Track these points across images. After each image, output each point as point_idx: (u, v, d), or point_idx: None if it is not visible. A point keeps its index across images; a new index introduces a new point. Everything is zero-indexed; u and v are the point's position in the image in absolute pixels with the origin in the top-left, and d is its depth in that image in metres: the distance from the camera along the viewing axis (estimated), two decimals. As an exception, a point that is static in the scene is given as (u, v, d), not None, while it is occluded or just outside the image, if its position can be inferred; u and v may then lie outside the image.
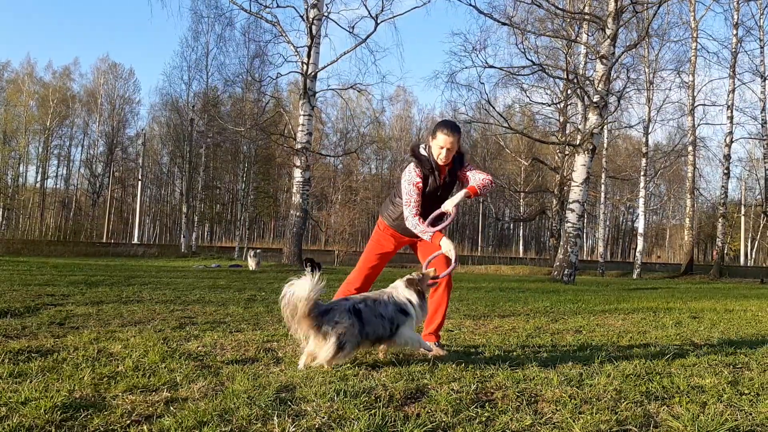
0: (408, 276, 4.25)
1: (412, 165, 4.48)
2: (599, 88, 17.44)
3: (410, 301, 4.11)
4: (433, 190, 4.50)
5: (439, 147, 4.36)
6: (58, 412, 2.74)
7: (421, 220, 4.40)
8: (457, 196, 4.40)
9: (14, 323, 5.36)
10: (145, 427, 2.63)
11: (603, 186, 34.81)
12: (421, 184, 4.43)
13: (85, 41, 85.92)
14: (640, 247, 32.55)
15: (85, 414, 2.76)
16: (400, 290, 4.16)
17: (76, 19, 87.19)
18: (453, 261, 4.39)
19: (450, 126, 4.41)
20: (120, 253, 30.60)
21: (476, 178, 4.48)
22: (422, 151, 4.49)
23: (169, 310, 6.74)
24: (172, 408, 2.89)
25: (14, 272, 12.28)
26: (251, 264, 18.78)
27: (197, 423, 2.67)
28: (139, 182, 45.27)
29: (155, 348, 4.27)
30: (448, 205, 4.38)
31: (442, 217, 4.48)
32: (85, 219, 53.15)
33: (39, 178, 55.06)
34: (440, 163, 4.42)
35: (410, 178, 4.44)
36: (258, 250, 20.17)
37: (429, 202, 4.51)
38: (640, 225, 33.35)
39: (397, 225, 4.66)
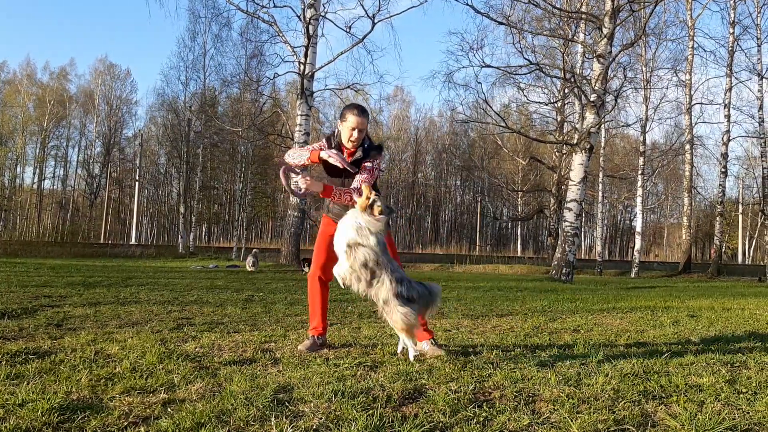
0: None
1: (322, 140, 4.62)
2: (596, 87, 17.45)
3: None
4: (335, 172, 4.54)
5: (350, 129, 4.41)
6: (56, 414, 2.73)
7: (312, 150, 4.51)
8: (317, 186, 4.38)
9: (11, 325, 5.35)
10: (142, 429, 2.63)
11: (601, 185, 34.86)
12: (324, 147, 4.50)
13: (83, 42, 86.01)
14: (637, 245, 32.57)
15: (82, 416, 2.75)
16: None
17: (74, 20, 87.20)
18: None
19: (359, 107, 4.48)
20: (117, 253, 30.55)
21: (357, 177, 4.48)
22: (335, 133, 4.58)
23: (166, 311, 6.74)
24: (169, 409, 2.89)
25: (11, 273, 12.26)
26: (249, 264, 18.78)
27: (195, 424, 2.67)
28: (137, 183, 45.19)
29: (153, 349, 4.27)
30: (301, 183, 4.38)
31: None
32: (82, 220, 53.14)
33: (36, 179, 55.04)
34: (351, 146, 4.48)
35: (318, 143, 4.60)
36: (255, 251, 20.16)
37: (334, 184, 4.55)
38: (638, 224, 33.38)
39: (330, 214, 4.70)
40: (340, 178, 4.56)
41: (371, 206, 4.15)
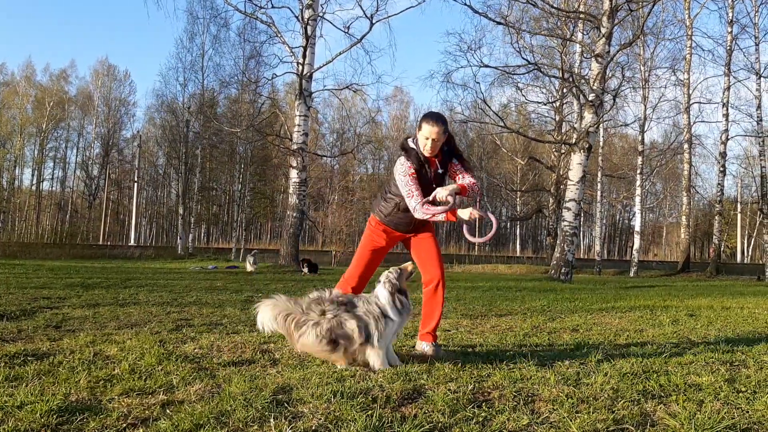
0: (384, 276, 4.16)
1: (402, 158, 4.48)
2: (595, 87, 17.46)
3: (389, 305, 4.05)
4: (425, 182, 4.48)
5: (425, 138, 4.37)
6: (54, 416, 2.73)
7: (428, 204, 4.38)
8: (450, 186, 4.37)
9: (10, 326, 5.34)
10: (141, 430, 2.62)
11: (599, 184, 34.88)
12: (415, 173, 4.42)
13: (83, 44, 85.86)
14: (636, 245, 32.59)
15: (81, 417, 2.75)
16: (379, 296, 4.08)
17: (74, 21, 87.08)
18: (493, 222, 4.40)
19: (434, 117, 4.41)
20: (116, 255, 30.54)
21: (466, 179, 4.50)
22: (411, 144, 4.51)
23: (165, 312, 6.73)
24: (168, 411, 2.89)
25: (10, 275, 12.25)
26: (248, 265, 18.79)
27: (194, 426, 2.66)
28: (135, 184, 45.19)
29: (152, 350, 4.26)
30: (442, 193, 4.31)
31: (435, 202, 4.42)
32: (81, 221, 53.09)
33: (35, 181, 55.02)
34: (427, 154, 4.43)
35: (404, 170, 4.43)
36: (255, 251, 20.16)
37: (423, 197, 4.49)
38: (637, 223, 33.40)
39: (389, 221, 4.65)
40: (432, 184, 4.51)
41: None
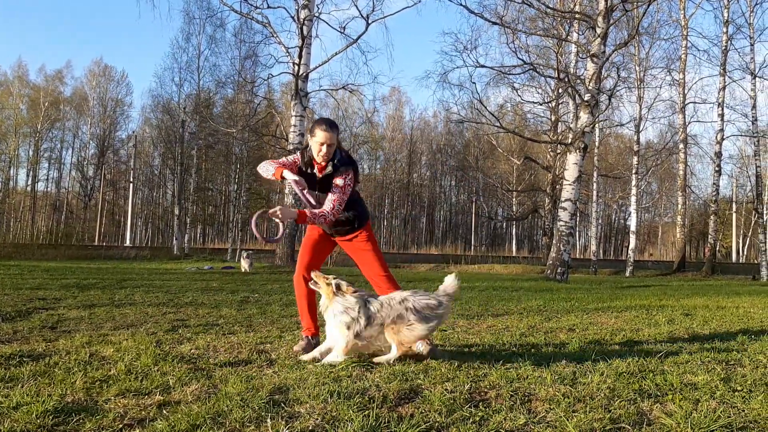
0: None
1: (298, 152, 4.63)
2: (590, 87, 17.48)
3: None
4: (310, 184, 4.53)
5: (319, 144, 4.40)
6: (50, 417, 2.72)
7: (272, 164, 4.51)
8: (291, 212, 4.32)
9: (5, 327, 5.33)
10: (137, 431, 2.62)
11: (595, 184, 34.91)
12: (298, 161, 4.53)
13: (79, 44, 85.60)
14: (632, 244, 32.64)
15: (77, 418, 2.74)
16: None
17: (71, 20, 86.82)
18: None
19: (328, 122, 4.46)
20: (112, 255, 30.47)
21: (326, 203, 4.47)
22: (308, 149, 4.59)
23: (161, 313, 6.72)
24: (164, 411, 2.88)
25: (5, 276, 12.21)
26: (244, 265, 18.76)
27: (190, 426, 2.66)
28: (131, 184, 45.08)
29: (148, 351, 4.25)
30: (277, 213, 4.28)
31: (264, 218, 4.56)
32: (76, 222, 52.94)
33: (29, 181, 54.86)
34: (320, 160, 4.46)
35: (292, 156, 4.62)
36: (250, 252, 20.12)
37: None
38: (633, 223, 33.46)
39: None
40: (315, 190, 4.57)
41: (338, 288, 4.20)
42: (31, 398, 3.01)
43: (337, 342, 4.11)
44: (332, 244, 4.89)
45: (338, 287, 4.18)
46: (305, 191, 4.44)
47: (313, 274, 4.36)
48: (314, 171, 4.54)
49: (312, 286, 4.37)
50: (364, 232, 4.73)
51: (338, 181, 4.48)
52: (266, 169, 4.52)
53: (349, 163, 4.54)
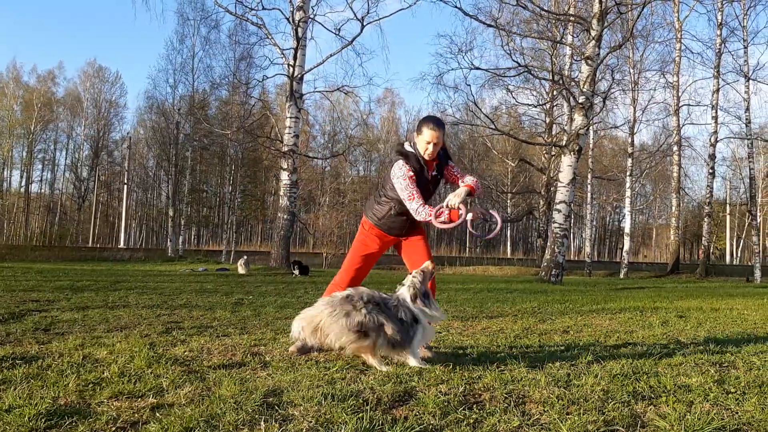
0: (409, 280, 4.21)
1: (400, 161, 4.51)
2: (585, 89, 17.53)
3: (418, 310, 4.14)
4: (422, 186, 4.53)
5: (426, 142, 4.44)
6: (43, 420, 2.71)
7: (430, 206, 4.43)
8: (461, 191, 4.40)
9: (-2, 330, 5.30)
10: (130, 434, 2.61)
11: (589, 186, 35.02)
12: (414, 176, 4.47)
13: (70, 45, 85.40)
14: (626, 246, 32.73)
15: (69, 421, 2.73)
16: (405, 299, 4.15)
17: (63, 23, 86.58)
18: (497, 220, 4.49)
19: (435, 121, 4.48)
20: (106, 257, 30.36)
21: (467, 178, 4.57)
22: (408, 148, 4.56)
23: (155, 315, 6.70)
24: (158, 414, 2.87)
25: (-2, 278, 12.15)
26: (240, 270, 18.74)
27: (184, 429, 2.65)
28: (125, 186, 44.97)
29: (141, 353, 4.24)
30: (454, 200, 4.33)
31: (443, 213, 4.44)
32: (70, 223, 52.80)
33: (23, 183, 54.65)
34: (427, 158, 4.50)
35: (403, 173, 4.47)
36: (245, 258, 20.08)
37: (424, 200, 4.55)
38: (627, 225, 33.55)
39: (382, 224, 4.67)
40: (425, 190, 4.57)
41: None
42: (23, 401, 2.99)
43: None
44: (386, 248, 4.87)
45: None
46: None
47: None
48: (426, 169, 4.56)
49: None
50: (422, 227, 4.83)
51: (452, 167, 4.67)
52: (428, 213, 4.35)
53: (447, 156, 4.70)
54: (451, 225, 4.31)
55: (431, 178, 4.58)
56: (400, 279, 4.41)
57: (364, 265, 4.76)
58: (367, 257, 4.75)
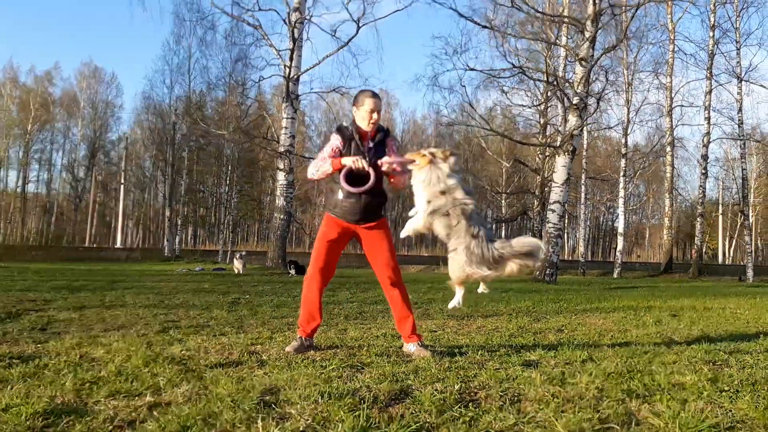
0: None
1: (333, 134, 4.67)
2: (579, 90, 17.56)
3: None
4: (359, 155, 4.55)
5: (368, 111, 4.55)
6: (40, 419, 2.72)
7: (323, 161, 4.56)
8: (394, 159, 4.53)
9: (-6, 329, 5.30)
10: (128, 432, 2.62)
11: (583, 187, 35.03)
12: (339, 147, 4.58)
13: (68, 46, 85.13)
14: (620, 246, 32.78)
15: (66, 420, 2.74)
16: None
17: (60, 23, 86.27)
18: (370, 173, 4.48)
19: (373, 92, 4.64)
20: (103, 257, 30.33)
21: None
22: (345, 125, 4.69)
23: (152, 314, 6.70)
24: (155, 413, 2.88)
25: (-7, 278, 12.12)
26: (237, 266, 18.74)
27: (181, 428, 2.66)
28: (122, 186, 44.88)
29: (138, 352, 4.25)
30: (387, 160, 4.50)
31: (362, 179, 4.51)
32: (67, 224, 52.64)
33: (20, 183, 54.43)
34: (371, 128, 4.59)
35: (332, 142, 4.64)
36: (242, 253, 20.07)
37: (358, 175, 4.52)
38: (620, 225, 33.58)
39: (337, 211, 4.66)
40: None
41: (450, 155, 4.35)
42: (20, 400, 3.00)
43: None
44: (346, 241, 4.86)
45: (433, 155, 4.34)
46: (368, 168, 4.46)
47: (407, 156, 4.47)
48: (362, 141, 4.59)
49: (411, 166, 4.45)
50: (385, 219, 4.82)
51: (393, 146, 4.72)
52: (321, 169, 4.53)
53: (387, 130, 4.76)
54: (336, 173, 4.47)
55: (368, 149, 4.59)
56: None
57: (329, 252, 4.73)
58: (330, 243, 4.72)
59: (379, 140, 4.64)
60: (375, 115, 4.55)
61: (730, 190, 49.83)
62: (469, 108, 21.58)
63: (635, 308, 9.10)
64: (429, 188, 4.27)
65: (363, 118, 4.58)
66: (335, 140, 4.61)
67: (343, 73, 60.02)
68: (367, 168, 4.43)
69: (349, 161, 4.43)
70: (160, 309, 7.30)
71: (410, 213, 4.48)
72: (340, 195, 4.59)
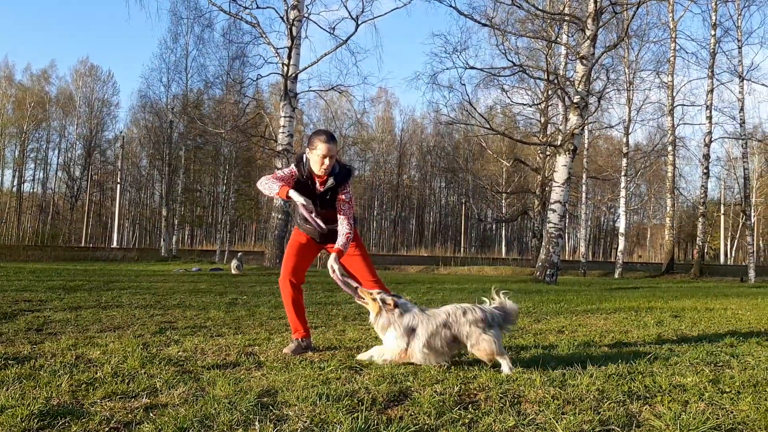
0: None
1: (293, 164, 4.54)
2: (579, 89, 17.55)
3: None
4: (308, 196, 4.45)
5: (321, 156, 4.35)
6: (35, 420, 2.70)
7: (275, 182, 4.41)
8: (331, 259, 4.38)
9: (-10, 330, 5.27)
10: (123, 435, 2.59)
11: (584, 186, 35.05)
12: (295, 175, 4.46)
13: (65, 44, 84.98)
14: (621, 246, 32.80)
15: (62, 421, 2.72)
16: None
17: (55, 21, 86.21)
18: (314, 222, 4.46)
19: (327, 134, 4.43)
20: (99, 257, 30.25)
21: (342, 231, 4.48)
22: (304, 160, 4.51)
23: (148, 315, 6.67)
24: (151, 414, 2.86)
25: (-9, 278, 12.09)
26: (234, 268, 18.69)
27: (178, 429, 2.64)
28: (118, 185, 44.81)
29: (135, 353, 4.22)
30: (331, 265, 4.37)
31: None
32: (63, 223, 52.53)
33: (15, 182, 54.39)
34: (322, 173, 4.42)
35: (291, 167, 4.52)
36: (239, 254, 20.03)
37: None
38: (621, 225, 33.61)
39: (306, 229, 4.65)
40: (315, 203, 4.51)
41: (384, 303, 4.18)
42: (16, 401, 2.97)
43: (388, 351, 4.14)
44: (318, 249, 4.85)
45: (383, 302, 4.17)
46: (314, 215, 4.41)
47: (360, 291, 4.33)
48: (313, 184, 4.49)
49: (359, 302, 4.34)
50: (355, 232, 4.70)
51: (344, 197, 4.52)
52: (269, 187, 4.41)
53: (348, 175, 4.56)
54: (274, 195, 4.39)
55: (319, 193, 4.50)
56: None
57: (300, 255, 4.70)
58: (300, 248, 4.70)
59: (330, 186, 4.49)
60: (327, 161, 4.36)
61: (732, 189, 49.93)
62: (468, 106, 21.53)
63: (636, 309, 9.08)
64: (398, 330, 4.11)
65: (315, 162, 4.40)
66: (294, 168, 4.51)
67: (342, 71, 59.97)
68: (312, 219, 4.39)
69: (298, 199, 4.31)
70: (156, 310, 7.27)
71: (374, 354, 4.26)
72: (301, 217, 4.60)
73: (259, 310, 7.53)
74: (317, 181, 4.49)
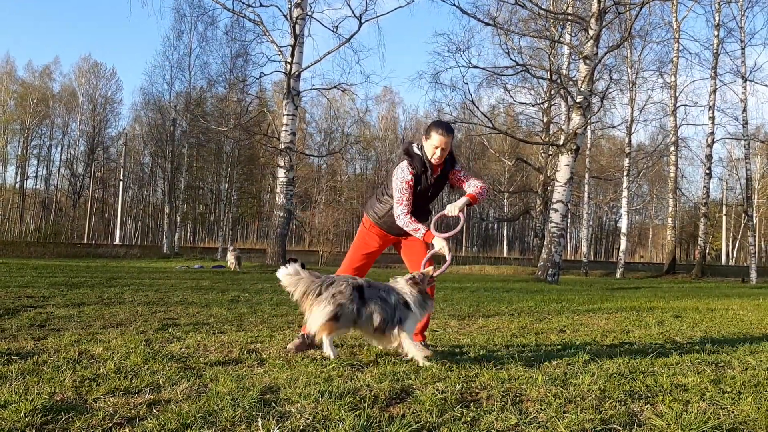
0: (409, 275, 4.33)
1: (405, 163, 4.51)
2: (582, 89, 17.54)
3: (413, 297, 4.21)
4: (424, 189, 4.54)
5: (434, 147, 4.42)
6: (39, 416, 2.70)
7: (413, 218, 4.44)
8: (461, 201, 4.44)
9: (-7, 325, 5.28)
10: (127, 430, 2.60)
11: (586, 186, 35.04)
12: (412, 182, 4.47)
13: (67, 40, 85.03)
14: (623, 246, 32.78)
15: (66, 417, 2.72)
16: (402, 287, 4.27)
17: (58, 17, 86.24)
18: (447, 259, 4.42)
19: (445, 126, 4.46)
20: (101, 254, 30.31)
21: (472, 185, 4.56)
22: (416, 150, 4.54)
23: (151, 312, 6.69)
24: (154, 410, 2.86)
25: (-6, 274, 12.11)
26: (230, 259, 18.71)
27: (180, 425, 2.64)
28: (121, 182, 44.87)
29: (137, 350, 4.23)
30: (452, 209, 4.41)
31: (441, 221, 4.59)
32: (65, 220, 52.58)
33: (18, 179, 54.43)
34: (434, 162, 4.48)
35: (403, 175, 4.47)
36: (236, 250, 20.02)
37: (420, 201, 4.58)
38: (623, 225, 33.59)
39: (383, 222, 4.67)
40: (428, 192, 4.60)
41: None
42: (19, 396, 2.98)
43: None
44: (389, 242, 4.88)
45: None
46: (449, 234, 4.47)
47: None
48: (428, 171, 4.52)
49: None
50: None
51: (458, 170, 4.65)
52: (412, 229, 4.43)
53: (453, 161, 4.67)
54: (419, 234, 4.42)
55: (433, 181, 4.56)
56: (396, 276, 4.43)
57: (365, 263, 4.77)
58: (367, 255, 4.77)
59: (444, 170, 4.59)
60: (438, 152, 4.43)
61: (734, 190, 49.89)
62: (471, 106, 21.55)
63: (638, 309, 9.08)
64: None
65: (429, 152, 4.48)
66: (407, 173, 4.47)
67: (345, 70, 60.09)
68: (447, 256, 4.42)
69: (444, 249, 4.36)
70: (159, 306, 7.28)
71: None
72: (390, 208, 4.60)
73: (261, 307, 7.54)
74: (430, 170, 4.53)
